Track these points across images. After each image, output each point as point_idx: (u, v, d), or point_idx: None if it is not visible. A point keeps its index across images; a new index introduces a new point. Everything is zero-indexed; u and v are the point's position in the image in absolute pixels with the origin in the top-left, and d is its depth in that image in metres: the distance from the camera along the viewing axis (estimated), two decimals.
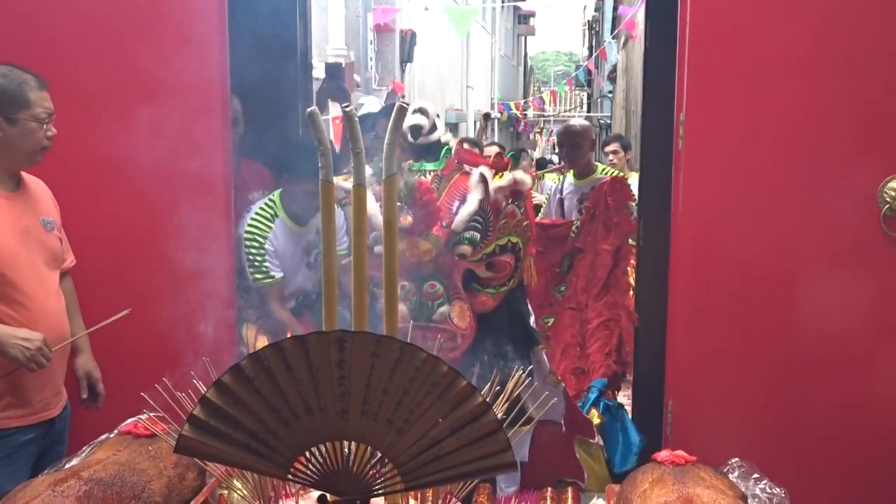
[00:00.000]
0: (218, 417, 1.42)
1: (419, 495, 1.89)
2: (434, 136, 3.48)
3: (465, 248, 3.15)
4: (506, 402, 1.90)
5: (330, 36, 8.06)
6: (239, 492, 1.89)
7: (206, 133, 3.06)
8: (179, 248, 2.97)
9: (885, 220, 2.93)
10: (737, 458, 2.01)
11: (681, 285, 3.10)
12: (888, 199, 2.91)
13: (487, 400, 1.43)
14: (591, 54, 24.44)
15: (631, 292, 4.04)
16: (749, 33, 2.95)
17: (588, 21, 31.75)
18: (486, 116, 10.87)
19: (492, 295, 3.27)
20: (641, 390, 3.58)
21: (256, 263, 3.44)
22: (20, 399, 2.65)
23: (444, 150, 3.37)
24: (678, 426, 3.12)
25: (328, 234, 1.77)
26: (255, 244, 3.44)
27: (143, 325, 2.90)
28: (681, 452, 1.92)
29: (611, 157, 6.91)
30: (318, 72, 5.94)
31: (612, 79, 22.54)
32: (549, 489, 2.09)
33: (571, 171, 5.22)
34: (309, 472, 1.49)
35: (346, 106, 1.69)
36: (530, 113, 26.02)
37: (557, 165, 8.63)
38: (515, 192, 3.25)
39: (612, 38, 17.53)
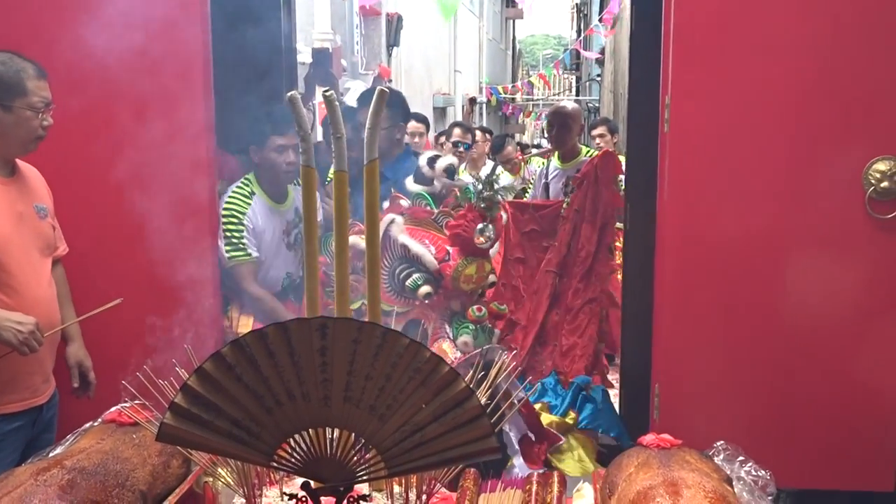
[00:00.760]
0: (200, 405, 1.41)
1: (403, 481, 1.89)
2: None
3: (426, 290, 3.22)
4: (489, 388, 1.89)
5: (315, 20, 8.01)
6: (223, 479, 1.88)
7: (190, 118, 3.04)
8: (166, 238, 2.97)
9: (870, 202, 2.93)
10: (722, 441, 2.01)
11: (667, 269, 3.10)
12: (873, 181, 2.91)
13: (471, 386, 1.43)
14: (579, 37, 24.39)
15: (618, 275, 4.04)
16: (734, 16, 2.94)
17: (576, 3, 31.63)
18: (472, 101, 10.87)
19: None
20: (628, 374, 3.59)
21: (234, 240, 3.40)
22: (8, 385, 2.63)
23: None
24: (665, 410, 3.13)
25: (310, 220, 1.76)
26: (234, 220, 3.41)
27: (133, 314, 2.89)
28: (666, 436, 1.91)
29: (598, 140, 6.90)
30: (304, 56, 5.90)
31: (600, 62, 22.49)
32: (535, 474, 2.09)
33: (556, 154, 5.21)
34: (292, 459, 1.49)
35: (327, 90, 1.68)
36: (519, 97, 25.97)
37: (543, 149, 8.62)
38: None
39: (600, 20, 17.48)
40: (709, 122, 2.98)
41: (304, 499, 1.53)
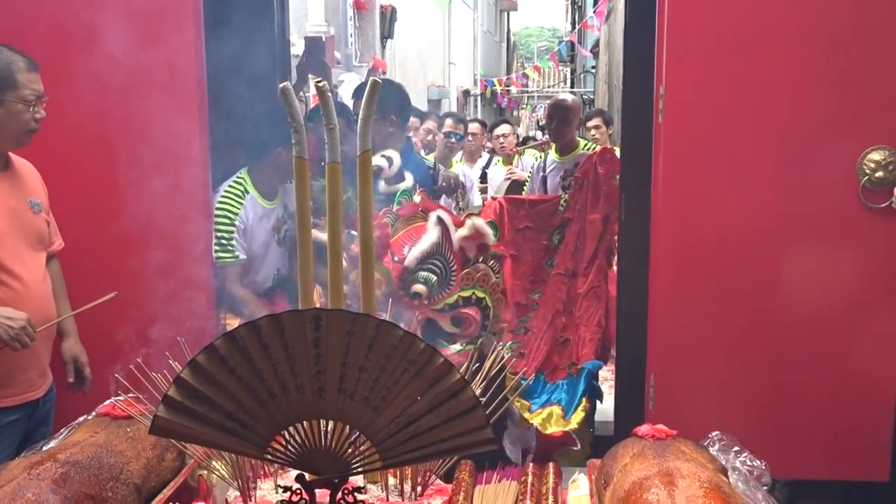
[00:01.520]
0: (193, 398, 1.40)
1: (398, 473, 1.88)
2: (400, 186, 3.46)
3: (420, 287, 3.12)
4: (484, 379, 1.89)
5: (309, 12, 7.98)
6: (218, 472, 1.88)
7: (185, 113, 3.04)
8: (162, 233, 2.98)
9: (864, 192, 2.93)
10: (717, 432, 2.02)
11: (662, 260, 3.10)
12: (867, 171, 2.91)
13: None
14: (573, 30, 24.36)
15: (614, 266, 4.06)
16: (727, 7, 2.94)
17: None
18: (466, 93, 10.85)
19: (458, 352, 3.22)
20: (623, 366, 3.59)
21: (224, 241, 3.39)
22: (4, 380, 2.63)
23: (399, 193, 3.39)
24: (660, 401, 3.13)
25: (303, 212, 1.75)
26: (226, 220, 3.39)
27: (128, 309, 2.89)
28: (661, 426, 1.91)
29: (593, 132, 6.89)
30: (298, 49, 5.87)
31: (595, 54, 22.46)
32: (531, 465, 2.09)
33: (554, 147, 5.20)
34: (286, 451, 1.48)
35: (319, 81, 1.67)
36: (513, 89, 25.93)
37: (539, 141, 8.59)
38: (482, 246, 3.26)
39: (595, 12, 17.45)
40: (703, 112, 2.98)
41: (298, 491, 1.52)
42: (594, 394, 3.84)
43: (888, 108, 2.91)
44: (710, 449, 1.94)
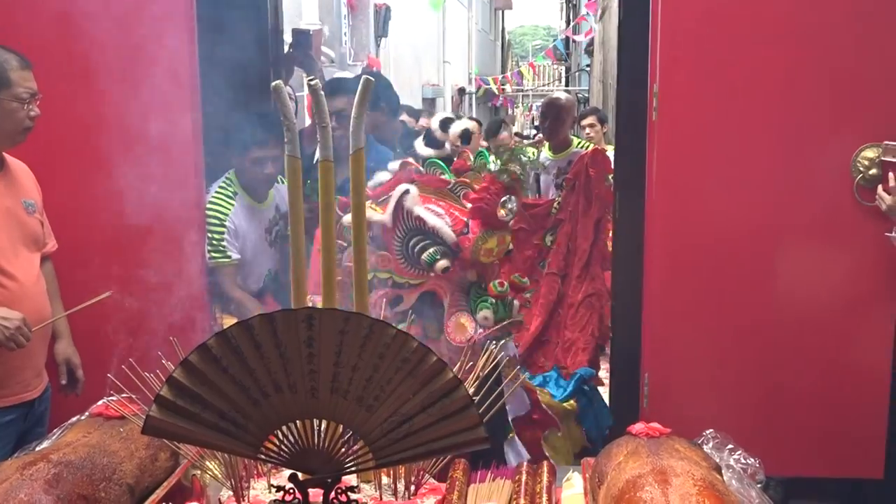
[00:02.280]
0: (186, 397, 1.40)
1: (392, 472, 1.88)
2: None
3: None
4: (476, 378, 1.89)
5: (303, 10, 7.96)
6: (211, 472, 1.87)
7: (178, 113, 3.03)
8: (155, 234, 2.98)
9: (858, 190, 2.93)
10: (711, 430, 2.01)
11: (656, 257, 3.10)
12: (861, 168, 2.92)
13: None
14: (568, 26, 24.33)
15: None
16: (721, 5, 2.94)
17: None
18: (461, 91, 10.83)
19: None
20: (618, 364, 3.58)
21: (214, 242, 3.37)
22: None
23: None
24: (654, 399, 3.13)
25: (296, 211, 1.74)
26: (216, 221, 3.38)
27: (122, 311, 2.88)
28: (655, 425, 1.91)
29: (587, 130, 6.89)
30: None
31: (589, 52, 22.46)
32: (525, 464, 2.09)
33: (547, 145, 5.21)
34: (280, 451, 1.48)
35: (312, 79, 1.67)
36: (508, 88, 25.91)
37: (533, 140, 8.59)
38: None
39: (585, 4, 17.44)
40: (697, 110, 2.98)
41: (291, 490, 1.52)
42: (586, 398, 3.78)
43: (882, 106, 2.91)
44: (704, 447, 1.94)
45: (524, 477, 2.00)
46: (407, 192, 2.98)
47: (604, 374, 4.29)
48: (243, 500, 1.80)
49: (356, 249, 1.78)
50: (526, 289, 3.43)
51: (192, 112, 3.07)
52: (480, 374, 1.96)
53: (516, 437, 3.35)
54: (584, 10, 16.03)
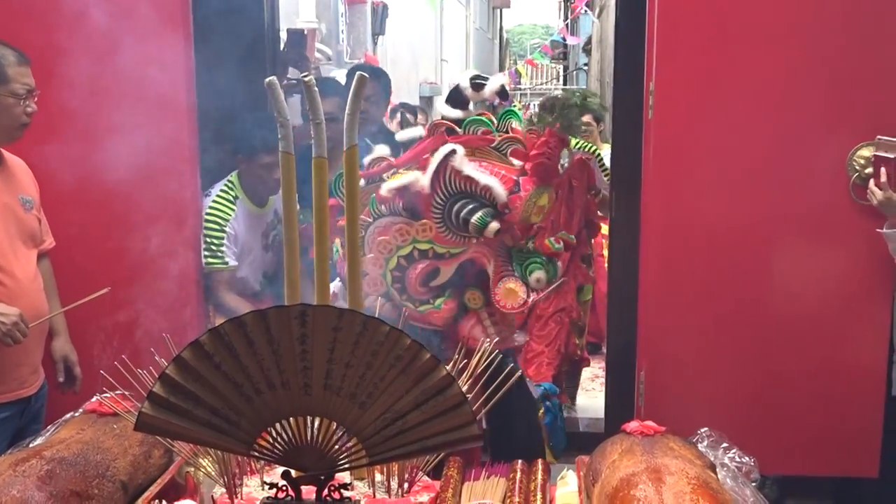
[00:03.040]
0: (178, 394, 1.40)
1: (385, 469, 1.88)
2: (415, 133, 3.08)
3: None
4: (470, 376, 1.89)
5: (300, 8, 7.95)
6: (204, 469, 1.87)
7: (174, 111, 3.03)
8: (152, 233, 2.99)
9: (854, 188, 2.93)
10: (706, 428, 2.02)
11: (652, 256, 3.10)
12: (857, 167, 2.92)
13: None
14: (566, 21, 24.32)
15: (591, 272, 4.05)
16: (718, 4, 2.94)
17: None
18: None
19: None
20: (613, 362, 3.59)
21: (213, 247, 3.33)
22: None
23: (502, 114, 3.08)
24: (649, 397, 3.13)
25: (290, 208, 1.74)
26: (216, 227, 3.33)
27: (119, 308, 2.88)
28: (650, 423, 1.92)
29: (584, 128, 6.87)
30: None
31: (587, 51, 22.46)
32: (520, 461, 2.08)
33: None
34: (273, 448, 1.47)
35: (306, 75, 1.66)
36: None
37: None
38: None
39: (586, 6, 17.45)
40: (692, 109, 2.98)
41: (284, 488, 1.52)
42: (550, 414, 3.70)
43: (878, 105, 2.91)
44: (699, 445, 1.94)
45: (518, 475, 2.00)
46: (453, 151, 2.77)
47: (599, 371, 4.30)
48: (236, 497, 1.80)
49: (349, 246, 1.77)
50: (560, 254, 3.27)
51: (189, 112, 3.07)
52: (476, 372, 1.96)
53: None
54: (581, 10, 16.04)
